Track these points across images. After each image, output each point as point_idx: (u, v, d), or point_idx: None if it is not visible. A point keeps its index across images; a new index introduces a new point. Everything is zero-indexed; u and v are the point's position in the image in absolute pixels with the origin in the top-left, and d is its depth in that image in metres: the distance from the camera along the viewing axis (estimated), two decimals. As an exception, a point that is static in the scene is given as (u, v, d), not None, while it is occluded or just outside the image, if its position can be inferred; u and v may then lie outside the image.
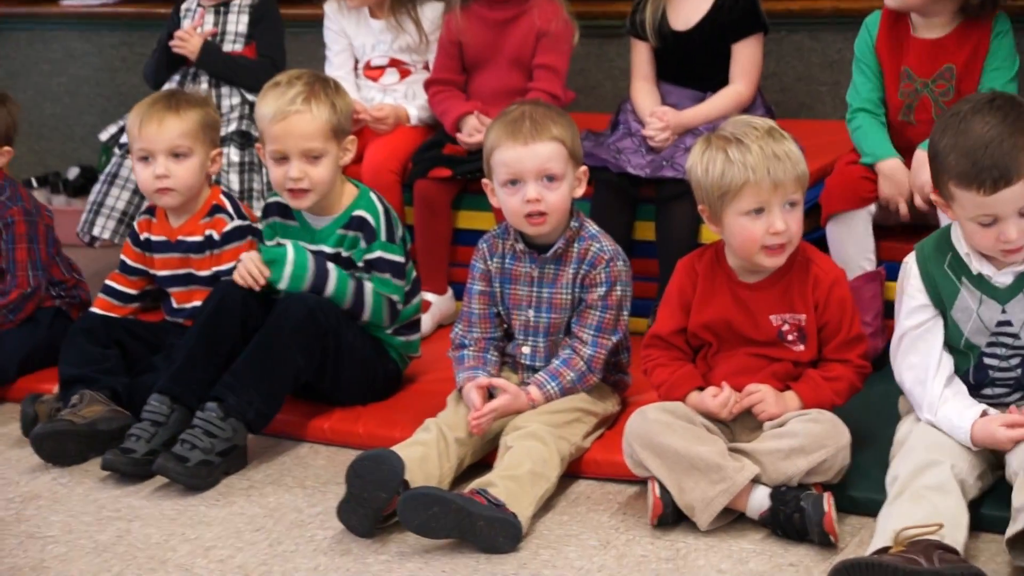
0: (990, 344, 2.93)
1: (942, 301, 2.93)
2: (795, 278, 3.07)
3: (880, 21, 3.73)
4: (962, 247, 2.90)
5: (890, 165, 3.64)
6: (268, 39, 4.63)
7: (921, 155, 3.51)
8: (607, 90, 5.11)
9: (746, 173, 2.96)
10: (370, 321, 3.57)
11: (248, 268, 3.53)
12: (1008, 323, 2.90)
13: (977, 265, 2.89)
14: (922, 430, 2.89)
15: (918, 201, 3.58)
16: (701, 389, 3.08)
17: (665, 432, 2.96)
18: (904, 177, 3.61)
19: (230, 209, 3.78)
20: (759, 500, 2.92)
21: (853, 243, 3.65)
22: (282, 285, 3.50)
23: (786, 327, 3.07)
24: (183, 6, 4.71)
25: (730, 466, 2.90)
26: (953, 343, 2.94)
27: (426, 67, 4.52)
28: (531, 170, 3.22)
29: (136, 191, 4.38)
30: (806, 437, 2.93)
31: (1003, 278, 2.88)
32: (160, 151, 3.70)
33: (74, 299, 4.14)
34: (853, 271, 3.62)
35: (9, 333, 3.97)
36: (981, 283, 2.90)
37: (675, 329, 3.16)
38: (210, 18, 4.62)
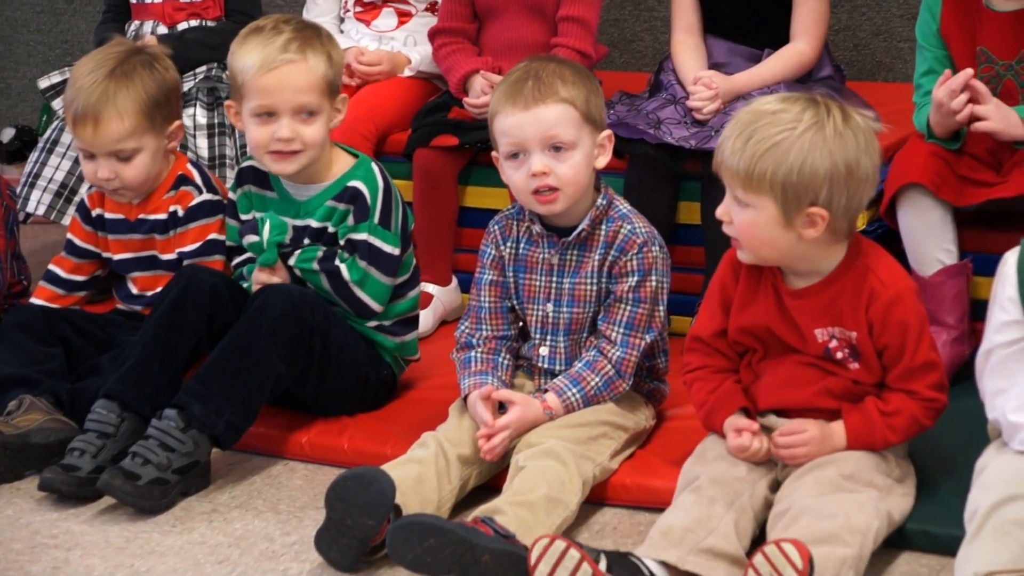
0: None
1: None
2: (847, 287, 3.03)
3: None
4: None
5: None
6: None
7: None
8: (646, 44, 5.13)
9: None
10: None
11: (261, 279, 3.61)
12: None
13: None
14: (1005, 459, 2.87)
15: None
16: (747, 410, 3.10)
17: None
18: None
19: (198, 181, 3.82)
20: None
21: (927, 231, 3.61)
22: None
23: (834, 343, 3.04)
24: None
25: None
26: None
27: (431, 9, 4.52)
28: (534, 139, 3.22)
29: (78, 160, 4.40)
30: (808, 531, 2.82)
31: None
32: (101, 155, 3.74)
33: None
34: (930, 265, 3.62)
35: None
36: None
37: (716, 331, 3.17)
38: None
